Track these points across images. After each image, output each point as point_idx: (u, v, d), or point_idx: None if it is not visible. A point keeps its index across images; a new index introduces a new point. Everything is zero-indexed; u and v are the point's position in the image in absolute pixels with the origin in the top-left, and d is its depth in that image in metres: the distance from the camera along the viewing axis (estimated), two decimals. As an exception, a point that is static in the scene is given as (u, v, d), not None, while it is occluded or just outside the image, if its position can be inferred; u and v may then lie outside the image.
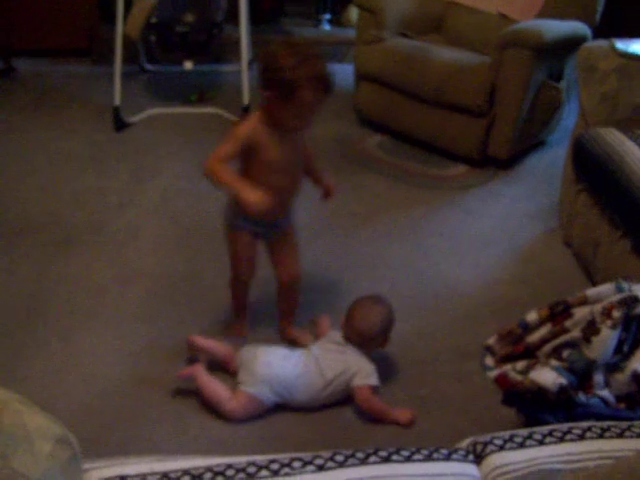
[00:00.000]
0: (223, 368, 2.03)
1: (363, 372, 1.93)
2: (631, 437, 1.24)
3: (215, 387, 1.91)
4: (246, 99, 3.71)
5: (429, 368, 2.13)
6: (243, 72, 3.75)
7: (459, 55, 3.45)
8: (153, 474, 1.10)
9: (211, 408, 1.90)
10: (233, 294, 2.20)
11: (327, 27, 5.10)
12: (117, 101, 3.63)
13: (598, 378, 1.68)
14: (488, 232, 2.91)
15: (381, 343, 2.02)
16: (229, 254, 2.10)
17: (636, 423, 1.28)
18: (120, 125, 3.65)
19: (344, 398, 1.95)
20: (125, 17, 3.65)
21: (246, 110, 3.70)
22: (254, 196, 1.77)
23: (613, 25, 3.67)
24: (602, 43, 2.67)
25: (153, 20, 3.74)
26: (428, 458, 1.20)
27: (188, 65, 3.85)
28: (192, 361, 2.05)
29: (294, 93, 1.75)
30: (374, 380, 1.93)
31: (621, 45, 2.59)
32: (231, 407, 1.87)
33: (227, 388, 1.92)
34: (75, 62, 4.57)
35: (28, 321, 2.24)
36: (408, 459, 1.19)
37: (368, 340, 1.98)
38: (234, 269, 2.12)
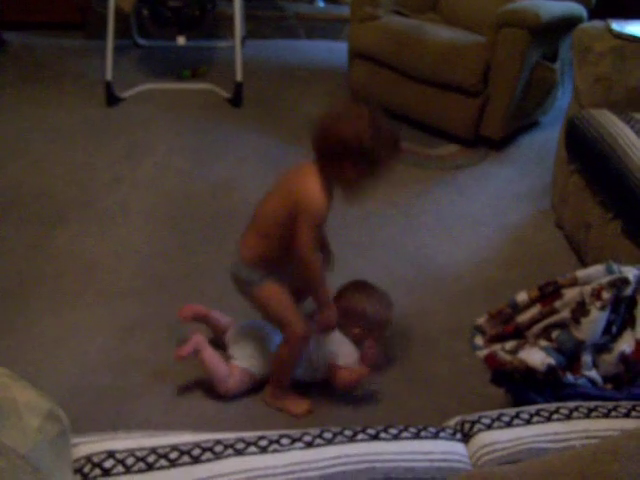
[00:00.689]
0: (215, 341, 2.04)
1: (345, 353, 1.93)
2: (617, 417, 1.25)
3: (217, 363, 1.88)
4: (239, 75, 3.68)
5: (418, 347, 2.14)
6: (236, 48, 3.72)
7: (454, 34, 3.43)
8: (141, 449, 1.10)
9: (207, 380, 1.89)
10: (289, 369, 1.89)
11: (321, 4, 5.06)
12: (109, 76, 3.60)
13: (586, 359, 1.69)
14: (480, 212, 2.91)
15: (364, 331, 1.95)
16: (275, 317, 1.86)
17: (622, 403, 1.29)
18: (112, 100, 3.62)
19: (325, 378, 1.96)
20: (118, -9, 3.62)
21: (239, 86, 3.68)
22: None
23: (609, 6, 3.65)
24: (598, 24, 2.66)
25: (146, -6, 3.71)
26: (416, 436, 1.21)
27: (181, 40, 3.82)
28: (178, 334, 2.05)
29: (379, 165, 1.69)
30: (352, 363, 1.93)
31: (617, 26, 2.57)
32: (229, 387, 1.87)
33: (227, 365, 1.91)
34: (67, 36, 4.53)
35: (18, 297, 2.23)
36: (396, 437, 1.20)
37: (345, 316, 1.93)
38: (294, 326, 1.81)
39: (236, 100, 3.71)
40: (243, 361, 1.90)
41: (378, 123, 1.66)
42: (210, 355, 1.88)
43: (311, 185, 1.70)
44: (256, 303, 1.87)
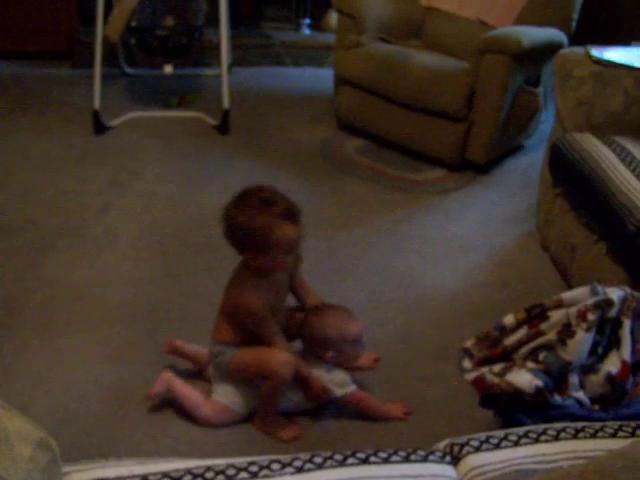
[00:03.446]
0: (198, 374, 2.05)
1: (339, 382, 1.93)
2: (604, 437, 1.26)
3: (188, 393, 1.90)
4: (226, 103, 3.71)
5: (407, 371, 2.15)
6: (223, 76, 3.76)
7: (438, 60, 3.48)
8: (132, 477, 1.10)
9: (186, 414, 1.90)
10: (276, 400, 1.89)
11: (307, 31, 5.13)
12: (97, 104, 3.62)
13: (573, 380, 1.70)
14: (466, 236, 2.93)
15: (338, 353, 1.92)
16: (254, 373, 1.87)
17: (609, 424, 1.30)
18: (100, 129, 3.64)
19: (322, 404, 1.97)
20: (105, 20, 3.65)
21: (226, 114, 3.71)
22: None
23: (588, 32, 3.72)
24: (578, 50, 2.71)
25: (133, 23, 3.74)
26: (405, 460, 1.21)
27: (168, 69, 3.85)
28: (167, 362, 2.07)
29: (271, 238, 1.72)
30: (353, 386, 1.94)
31: (596, 52, 2.62)
32: (205, 414, 1.88)
33: (200, 393, 1.92)
34: (55, 65, 4.56)
35: (7, 325, 2.23)
36: (386, 461, 1.20)
37: (313, 345, 1.94)
38: (273, 367, 1.81)
39: (223, 127, 3.74)
40: (225, 398, 1.90)
41: (257, 201, 1.73)
42: (180, 387, 1.90)
43: (237, 292, 1.84)
44: (233, 372, 1.89)
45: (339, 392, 1.92)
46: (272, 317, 1.86)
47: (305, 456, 1.19)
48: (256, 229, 1.71)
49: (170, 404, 1.94)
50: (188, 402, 1.89)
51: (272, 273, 1.84)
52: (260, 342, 1.86)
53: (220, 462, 1.16)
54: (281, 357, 1.81)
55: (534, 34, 3.23)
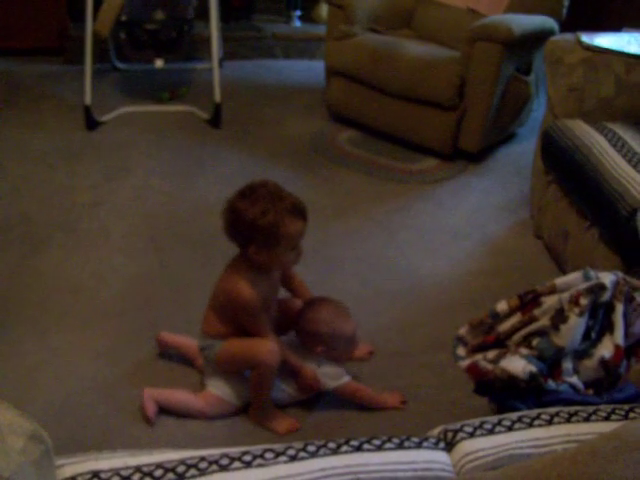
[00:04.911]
0: (190, 363, 2.06)
1: (332, 374, 1.93)
2: (597, 421, 1.26)
3: (176, 396, 1.91)
4: (217, 96, 3.70)
5: (402, 360, 2.15)
6: (214, 69, 3.75)
7: (429, 50, 3.48)
8: (126, 468, 1.10)
9: (184, 414, 1.90)
10: (266, 389, 1.88)
11: (298, 23, 5.12)
12: (88, 100, 3.60)
13: (567, 365, 1.71)
14: (460, 224, 2.94)
15: (328, 348, 1.91)
16: (242, 364, 1.89)
17: (601, 407, 1.30)
18: (92, 124, 3.63)
19: (314, 395, 1.97)
20: (95, 15, 3.63)
21: (218, 107, 3.70)
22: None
23: (579, 19, 3.72)
24: (568, 37, 2.71)
25: (123, 18, 3.72)
26: (399, 446, 1.22)
27: (159, 63, 3.84)
28: (162, 355, 2.10)
29: (279, 234, 1.71)
30: (346, 377, 1.94)
31: (586, 38, 2.62)
32: (200, 408, 1.88)
33: (187, 391, 1.92)
34: (46, 61, 4.54)
35: (0, 321, 2.22)
36: (379, 448, 1.20)
37: (305, 337, 1.94)
38: (259, 356, 1.81)
39: (215, 121, 3.73)
40: (218, 390, 1.91)
41: (265, 197, 1.71)
42: (166, 396, 1.91)
43: (233, 283, 1.80)
44: (221, 364, 1.90)
45: (332, 384, 1.91)
46: (264, 311, 1.86)
47: (299, 445, 1.19)
48: (268, 224, 1.69)
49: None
50: (180, 405, 1.90)
51: (273, 269, 1.84)
52: (248, 335, 1.86)
53: (214, 452, 1.16)
54: (266, 346, 1.81)
55: (525, 22, 3.23)
